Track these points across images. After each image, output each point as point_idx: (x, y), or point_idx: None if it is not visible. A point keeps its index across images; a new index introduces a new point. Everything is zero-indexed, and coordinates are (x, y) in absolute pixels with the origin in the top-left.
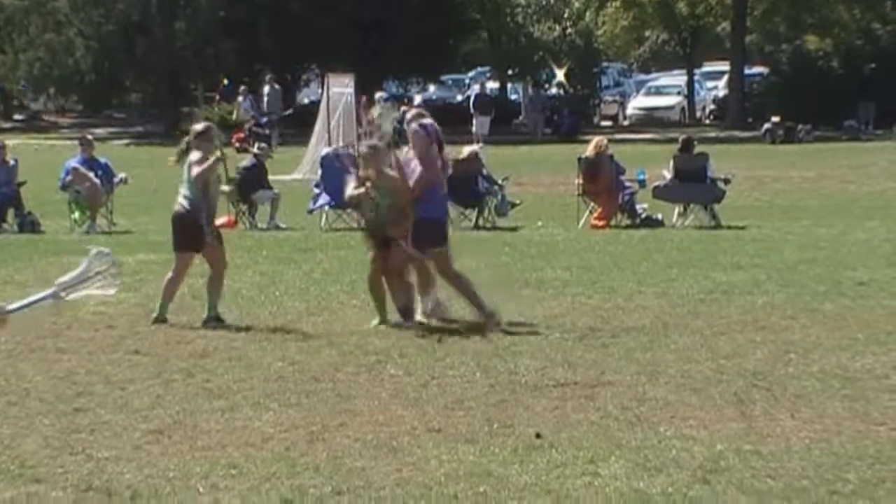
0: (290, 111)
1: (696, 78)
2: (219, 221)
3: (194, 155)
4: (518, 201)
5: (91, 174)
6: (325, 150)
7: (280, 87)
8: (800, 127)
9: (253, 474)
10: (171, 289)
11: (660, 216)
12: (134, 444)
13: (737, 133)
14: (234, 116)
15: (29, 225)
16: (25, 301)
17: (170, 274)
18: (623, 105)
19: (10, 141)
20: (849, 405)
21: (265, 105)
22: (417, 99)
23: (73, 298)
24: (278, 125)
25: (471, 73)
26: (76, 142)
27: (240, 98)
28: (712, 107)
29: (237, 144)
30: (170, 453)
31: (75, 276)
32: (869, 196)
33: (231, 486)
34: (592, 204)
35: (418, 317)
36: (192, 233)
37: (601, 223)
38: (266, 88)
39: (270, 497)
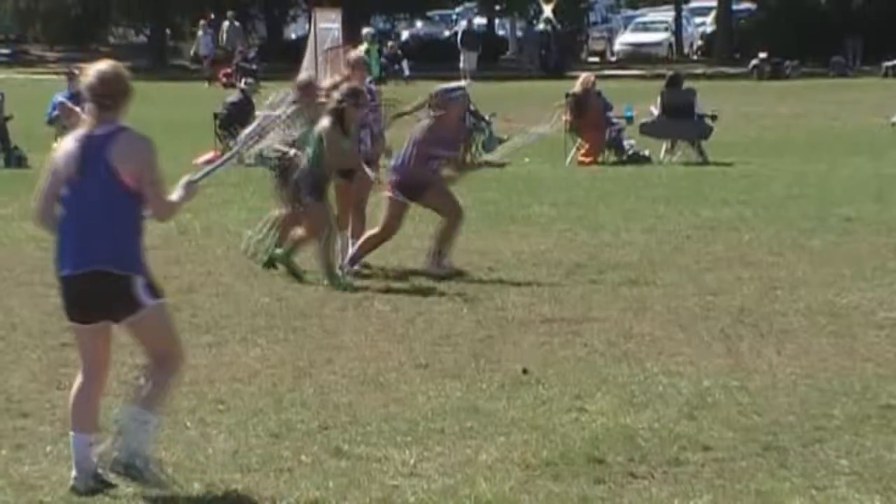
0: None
1: (683, 14)
2: (205, 157)
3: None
4: (506, 137)
5: (78, 108)
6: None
7: (240, 25)
8: (787, 63)
9: (240, 409)
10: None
11: (647, 152)
12: (121, 380)
13: (724, 69)
14: (191, 51)
15: (15, 160)
16: (210, 168)
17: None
18: (611, 41)
19: None
20: (835, 341)
21: (223, 41)
22: (405, 35)
23: (255, 151)
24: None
25: (458, 9)
26: (63, 76)
27: (199, 33)
28: (699, 43)
29: (224, 80)
30: None
31: (250, 132)
32: (855, 132)
33: (219, 420)
34: (580, 140)
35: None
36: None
37: (588, 159)
38: (225, 24)
39: (258, 432)
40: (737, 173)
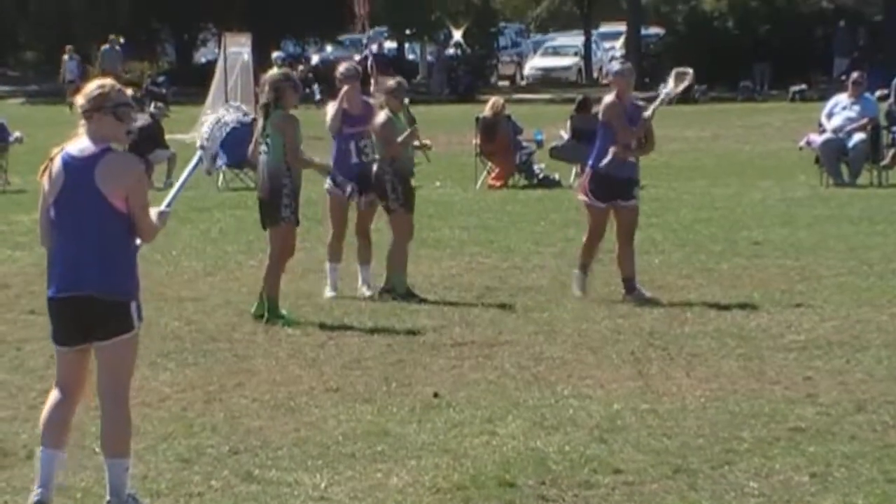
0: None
1: (593, 38)
2: None
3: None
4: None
5: None
6: (222, 110)
7: (119, 49)
8: (696, 87)
9: (150, 434)
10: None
11: (557, 176)
12: (29, 405)
13: (634, 93)
14: (59, 78)
15: None
16: (175, 189)
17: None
18: (520, 65)
19: None
20: (744, 364)
21: (99, 65)
22: (315, 59)
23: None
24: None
25: (369, 33)
26: None
27: (65, 57)
28: (609, 67)
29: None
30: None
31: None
32: (764, 156)
33: None
34: (490, 164)
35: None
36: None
37: (498, 183)
38: (103, 48)
39: (167, 457)
40: (646, 197)
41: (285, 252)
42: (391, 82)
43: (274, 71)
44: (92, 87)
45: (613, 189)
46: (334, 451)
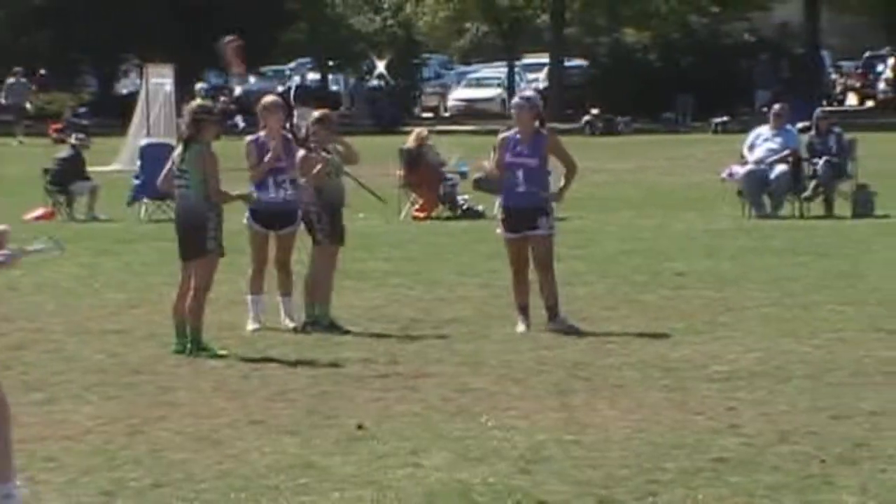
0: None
1: (516, 70)
2: (36, 213)
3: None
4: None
5: None
6: (144, 142)
7: (26, 80)
8: (619, 119)
9: (72, 467)
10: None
11: (481, 207)
12: None
13: (557, 125)
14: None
15: None
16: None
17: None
18: (444, 96)
19: None
20: (667, 395)
21: (4, 98)
22: (238, 90)
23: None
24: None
25: (292, 64)
26: None
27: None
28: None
29: (54, 135)
30: None
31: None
32: (687, 187)
33: (49, 479)
34: (414, 195)
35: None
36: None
37: (423, 214)
38: (9, 80)
39: (89, 490)
40: (570, 228)
41: (210, 283)
42: (317, 113)
43: (194, 103)
44: None
45: (521, 219)
46: (258, 483)
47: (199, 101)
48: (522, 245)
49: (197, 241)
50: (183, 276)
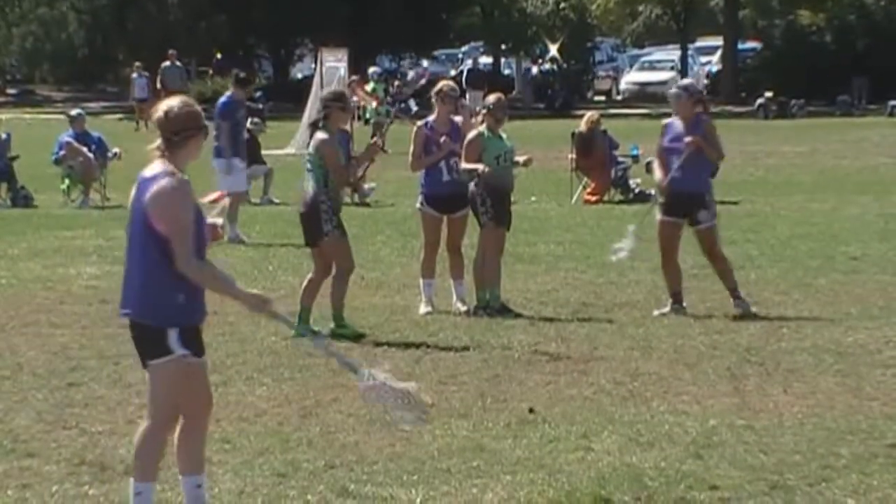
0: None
1: (689, 53)
2: (211, 196)
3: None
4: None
5: (84, 148)
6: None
7: (181, 66)
8: (793, 102)
9: (246, 449)
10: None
11: (653, 191)
12: (127, 419)
13: (730, 108)
14: (131, 95)
15: (22, 199)
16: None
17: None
18: (616, 80)
19: (4, 115)
20: (841, 380)
21: (164, 81)
22: (411, 74)
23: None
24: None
25: (464, 48)
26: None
27: (134, 75)
28: (705, 82)
29: None
30: None
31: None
32: (862, 171)
33: (224, 460)
34: (586, 179)
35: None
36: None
37: (594, 198)
38: (165, 64)
39: (264, 471)
40: (742, 212)
41: (343, 266)
42: (490, 98)
43: (329, 90)
44: (182, 105)
45: (678, 204)
46: (429, 466)
47: (333, 88)
48: (674, 230)
49: (313, 226)
50: (315, 263)
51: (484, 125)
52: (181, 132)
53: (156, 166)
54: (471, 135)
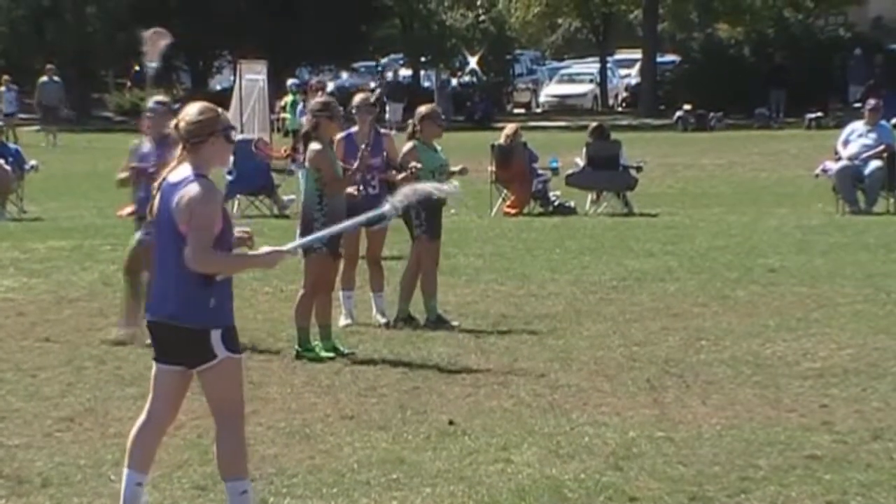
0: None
1: (608, 65)
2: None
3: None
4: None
5: (1, 160)
6: (237, 138)
7: (60, 80)
8: (711, 115)
9: (165, 462)
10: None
11: (572, 203)
12: (45, 432)
13: (649, 121)
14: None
15: None
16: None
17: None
18: (536, 92)
19: None
20: (760, 392)
21: (41, 97)
22: (330, 86)
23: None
24: (56, 122)
25: (384, 60)
26: None
27: (2, 89)
28: (625, 94)
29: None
30: (81, 441)
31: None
32: (779, 183)
33: None
34: (505, 191)
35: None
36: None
37: (514, 210)
38: (42, 79)
39: (183, 484)
40: (662, 224)
41: (319, 283)
42: (423, 108)
43: (316, 100)
44: (195, 111)
45: None
46: (349, 478)
47: (321, 98)
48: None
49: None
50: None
51: (413, 140)
52: (193, 138)
53: (181, 171)
54: (406, 147)
